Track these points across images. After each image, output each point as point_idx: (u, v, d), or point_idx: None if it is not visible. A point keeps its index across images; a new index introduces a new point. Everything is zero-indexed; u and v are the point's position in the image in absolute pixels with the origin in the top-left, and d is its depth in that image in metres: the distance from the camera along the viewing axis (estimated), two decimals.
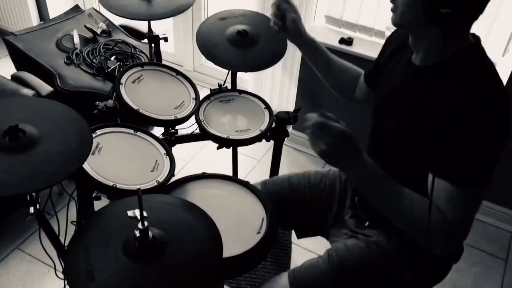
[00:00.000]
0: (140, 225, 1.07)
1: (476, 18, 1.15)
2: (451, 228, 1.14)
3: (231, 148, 1.93)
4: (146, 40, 2.39)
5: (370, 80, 1.55)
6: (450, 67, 1.16)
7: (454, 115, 1.10)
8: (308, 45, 1.59)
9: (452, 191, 1.13)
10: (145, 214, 1.07)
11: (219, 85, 1.91)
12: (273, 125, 1.79)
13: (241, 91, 1.89)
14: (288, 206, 1.64)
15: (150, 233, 1.08)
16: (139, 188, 1.06)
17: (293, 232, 1.79)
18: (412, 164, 1.25)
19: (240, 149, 2.29)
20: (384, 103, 1.35)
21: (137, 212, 1.06)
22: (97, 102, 1.72)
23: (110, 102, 1.72)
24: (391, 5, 1.21)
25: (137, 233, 1.07)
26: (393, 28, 1.40)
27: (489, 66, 1.18)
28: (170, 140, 1.83)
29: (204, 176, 1.53)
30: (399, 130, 1.27)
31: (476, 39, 1.21)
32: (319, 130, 1.11)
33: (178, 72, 1.87)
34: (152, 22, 2.18)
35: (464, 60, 1.16)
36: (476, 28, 1.18)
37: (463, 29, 1.17)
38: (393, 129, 1.29)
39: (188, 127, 1.83)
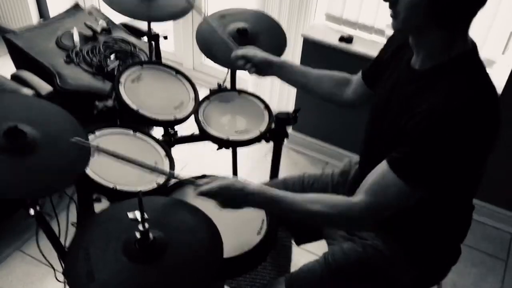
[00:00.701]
0: (140, 227, 1.07)
1: (475, 14, 1.13)
2: (364, 211, 1.20)
3: (230, 149, 1.93)
4: (146, 39, 2.38)
5: (368, 78, 1.54)
6: (444, 73, 1.16)
7: (428, 116, 1.11)
8: (279, 69, 1.62)
9: (391, 180, 1.17)
10: (145, 215, 1.06)
11: (219, 85, 1.90)
12: (273, 125, 1.79)
13: (241, 91, 1.89)
14: None
15: (150, 235, 1.08)
16: (139, 191, 1.06)
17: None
18: None
19: (239, 150, 2.28)
20: (382, 103, 1.35)
21: (137, 214, 1.06)
22: (97, 102, 1.72)
23: (110, 102, 1.71)
24: None
25: (138, 235, 1.07)
26: None
27: (482, 75, 1.17)
28: (169, 141, 1.82)
29: (204, 177, 1.52)
30: (393, 131, 1.26)
31: (473, 44, 1.20)
32: (209, 197, 1.26)
33: (178, 71, 1.87)
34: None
35: (459, 66, 1.16)
36: (476, 27, 1.17)
37: (464, 28, 1.16)
38: (388, 130, 1.30)
39: (188, 128, 1.83)
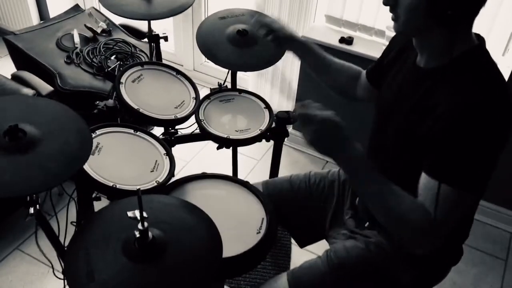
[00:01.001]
0: (140, 226, 1.07)
1: (477, 13, 1.13)
2: (433, 227, 1.13)
3: (231, 148, 1.93)
4: (146, 40, 2.39)
5: (372, 78, 1.54)
6: (453, 70, 1.16)
7: (451, 117, 1.10)
8: (301, 47, 1.61)
9: (440, 190, 1.11)
10: (145, 214, 1.06)
11: (219, 85, 1.91)
12: (273, 124, 1.79)
13: (241, 91, 1.89)
14: (289, 207, 1.64)
15: (150, 234, 1.08)
16: (139, 189, 1.05)
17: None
18: (412, 166, 1.24)
19: (240, 149, 2.28)
20: (389, 105, 1.35)
21: (137, 213, 1.06)
22: (97, 102, 1.72)
23: (110, 102, 1.72)
24: None
25: (137, 234, 1.07)
26: None
27: (492, 69, 1.17)
28: (170, 140, 1.82)
29: (204, 176, 1.53)
30: (402, 131, 1.26)
31: (480, 40, 1.20)
32: (303, 120, 1.13)
33: (178, 72, 1.87)
34: (152, 22, 2.18)
35: (467, 63, 1.16)
36: (476, 28, 1.18)
37: (466, 27, 1.16)
38: (396, 130, 1.29)
39: (188, 127, 1.83)
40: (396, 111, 1.30)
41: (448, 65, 1.17)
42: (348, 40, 2.42)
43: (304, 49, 1.61)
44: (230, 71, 1.98)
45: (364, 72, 1.61)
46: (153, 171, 1.49)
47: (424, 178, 1.15)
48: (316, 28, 2.57)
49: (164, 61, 2.19)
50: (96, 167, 1.42)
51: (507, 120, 1.11)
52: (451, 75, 1.16)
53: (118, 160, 1.50)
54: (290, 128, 2.78)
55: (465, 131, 1.09)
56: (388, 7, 1.19)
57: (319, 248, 1.56)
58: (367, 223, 1.48)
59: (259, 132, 1.72)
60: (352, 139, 1.14)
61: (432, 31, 1.15)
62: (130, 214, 1.07)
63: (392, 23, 1.21)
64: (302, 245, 1.72)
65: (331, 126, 1.12)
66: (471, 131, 1.09)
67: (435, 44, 1.18)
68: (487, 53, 1.19)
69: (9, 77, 2.27)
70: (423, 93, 1.21)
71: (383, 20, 2.41)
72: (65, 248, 1.48)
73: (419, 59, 1.27)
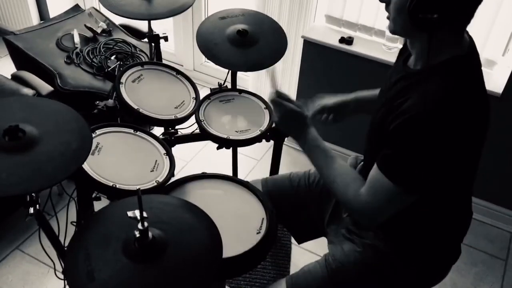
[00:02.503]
0: (140, 226, 1.07)
1: (463, 26, 1.15)
2: (364, 208, 1.26)
3: (231, 148, 1.93)
4: (146, 40, 2.39)
5: None
6: (432, 74, 1.17)
7: (407, 116, 1.12)
8: (353, 106, 1.60)
9: (378, 178, 1.20)
10: (145, 214, 1.07)
11: (219, 85, 1.91)
12: (273, 125, 1.79)
13: (241, 91, 1.89)
14: (288, 204, 1.64)
15: (150, 234, 1.09)
16: (139, 189, 1.05)
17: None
18: None
19: (240, 149, 2.29)
20: (379, 102, 1.36)
21: (137, 213, 1.06)
22: (97, 102, 1.72)
23: (110, 102, 1.72)
24: None
25: (137, 234, 1.07)
26: None
27: (472, 79, 1.18)
28: (170, 140, 1.82)
29: (204, 176, 1.53)
30: (375, 124, 1.30)
31: (472, 49, 1.20)
32: (274, 106, 1.41)
33: (178, 72, 1.87)
34: (152, 22, 2.18)
35: (447, 69, 1.16)
36: (477, 28, 1.18)
37: (452, 36, 1.16)
38: (372, 123, 1.35)
39: (188, 127, 1.83)
40: (380, 110, 1.31)
41: (430, 68, 1.18)
42: (348, 40, 2.42)
43: (357, 104, 1.60)
44: (230, 71, 1.98)
45: None
46: (153, 171, 1.49)
47: (376, 169, 1.23)
48: (316, 28, 2.57)
49: (164, 61, 2.19)
50: (96, 167, 1.42)
51: (466, 128, 1.13)
52: (428, 78, 1.17)
53: (118, 160, 1.50)
54: None
55: (413, 132, 1.12)
56: (384, 8, 1.21)
57: (319, 248, 1.57)
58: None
59: (259, 132, 1.72)
60: (310, 126, 1.38)
61: (415, 34, 1.17)
62: (130, 214, 1.07)
63: (388, 23, 1.23)
64: (300, 241, 1.73)
65: (294, 115, 1.38)
66: (418, 134, 1.12)
67: (418, 47, 1.21)
68: (470, 65, 1.19)
69: (9, 77, 2.27)
70: (397, 92, 1.23)
71: (383, 20, 2.41)
72: (65, 248, 1.48)
73: (410, 60, 1.29)
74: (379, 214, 1.26)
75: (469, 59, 1.19)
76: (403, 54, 1.36)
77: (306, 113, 1.40)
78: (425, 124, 1.11)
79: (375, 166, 1.23)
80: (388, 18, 1.22)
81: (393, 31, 1.23)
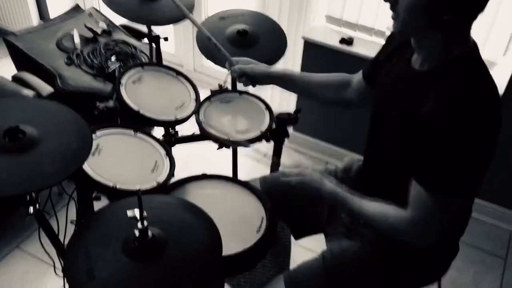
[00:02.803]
0: (139, 225, 1.07)
1: (475, 17, 1.14)
2: (419, 228, 1.21)
3: (231, 148, 1.93)
4: (146, 40, 2.39)
5: (369, 78, 1.53)
6: (444, 73, 1.16)
7: (435, 121, 1.11)
8: (278, 79, 1.65)
9: (422, 194, 1.17)
10: (144, 213, 1.07)
11: (220, 86, 1.91)
12: (274, 126, 1.79)
13: (242, 92, 1.90)
14: (286, 201, 1.64)
15: (149, 233, 1.09)
16: (139, 189, 1.06)
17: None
18: (406, 168, 1.26)
19: (240, 150, 2.29)
20: (383, 105, 1.35)
21: (136, 212, 1.07)
22: (98, 103, 1.72)
23: (111, 103, 1.72)
24: None
25: (137, 233, 1.08)
26: None
27: (483, 74, 1.17)
28: (170, 140, 1.83)
29: (204, 177, 1.53)
30: (394, 133, 1.27)
31: (474, 45, 1.20)
32: (287, 186, 1.40)
33: (179, 72, 1.88)
34: None
35: (458, 67, 1.16)
36: (476, 28, 1.18)
37: (464, 30, 1.16)
38: (390, 131, 1.30)
39: (189, 128, 1.83)
40: (391, 108, 1.30)
41: (440, 68, 1.17)
42: (348, 41, 2.42)
43: (282, 79, 1.64)
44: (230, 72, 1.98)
45: (356, 76, 1.60)
46: (153, 171, 1.49)
47: (413, 184, 1.19)
48: (316, 28, 2.57)
49: (164, 62, 2.19)
50: (97, 167, 1.42)
51: (489, 125, 1.12)
52: (441, 78, 1.16)
53: (118, 160, 1.50)
54: (290, 129, 2.78)
55: (447, 135, 1.10)
56: (389, 8, 1.19)
57: (320, 247, 1.57)
58: (362, 220, 1.48)
59: (260, 133, 1.72)
60: (323, 186, 1.36)
61: (428, 32, 1.15)
62: (129, 213, 1.07)
63: (392, 23, 1.21)
64: (297, 237, 1.74)
65: (306, 187, 1.38)
66: (453, 135, 1.10)
67: (430, 46, 1.19)
68: (480, 58, 1.19)
69: (10, 78, 2.28)
70: (412, 96, 1.21)
71: (383, 21, 2.42)
72: (65, 247, 1.48)
73: (414, 59, 1.27)
74: (437, 229, 1.23)
75: (477, 53, 1.19)
76: (398, 54, 1.35)
77: (314, 176, 1.39)
78: (460, 125, 1.09)
79: (413, 185, 1.19)
80: (393, 18, 1.20)
81: (400, 32, 1.22)
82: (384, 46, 1.47)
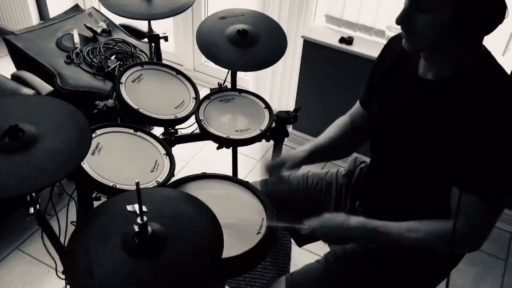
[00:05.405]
0: (139, 220, 1.06)
1: (500, 22, 1.11)
2: (473, 236, 1.22)
3: (231, 148, 1.93)
4: (146, 40, 2.39)
5: (368, 104, 1.49)
6: (465, 80, 1.15)
7: (473, 129, 1.11)
8: (311, 160, 1.53)
9: (476, 201, 1.16)
10: (144, 208, 1.06)
11: (219, 85, 1.91)
12: (273, 124, 1.79)
13: (241, 91, 1.89)
14: (287, 206, 1.64)
15: (149, 228, 1.08)
16: (137, 182, 1.04)
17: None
18: (426, 181, 1.26)
19: (240, 149, 2.28)
20: (392, 123, 1.32)
21: (136, 207, 1.05)
22: (97, 102, 1.72)
23: (110, 102, 1.72)
24: (391, 4, 1.20)
25: (136, 228, 1.06)
26: (394, 27, 1.38)
27: (502, 74, 1.17)
28: (170, 140, 1.82)
29: (204, 176, 1.53)
30: (414, 148, 1.25)
31: (484, 46, 1.19)
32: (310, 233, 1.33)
33: (178, 72, 1.87)
34: (152, 22, 2.18)
35: (477, 71, 1.15)
36: None
37: (484, 34, 1.15)
38: (405, 149, 1.27)
39: (188, 127, 1.83)
40: (406, 125, 1.27)
41: (461, 74, 1.16)
42: (348, 40, 2.42)
43: (308, 159, 1.52)
44: (230, 71, 1.98)
45: (353, 111, 1.56)
46: (153, 171, 1.49)
47: (459, 194, 1.16)
48: (316, 28, 2.57)
49: (164, 61, 2.19)
50: (96, 167, 1.42)
51: None
52: (462, 85, 1.15)
53: (118, 160, 1.50)
54: (290, 128, 2.78)
55: (492, 141, 1.10)
56: (391, 9, 1.18)
57: (320, 248, 1.56)
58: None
59: (259, 132, 1.72)
60: (349, 224, 1.29)
61: (449, 43, 1.13)
62: (129, 208, 1.06)
63: (393, 23, 1.20)
64: (300, 244, 1.72)
65: (329, 225, 1.31)
66: (494, 140, 1.10)
67: (450, 54, 1.16)
68: (494, 59, 1.19)
69: (9, 77, 2.27)
70: (435, 107, 1.19)
71: (383, 20, 2.41)
72: (65, 248, 1.48)
73: (424, 71, 1.24)
74: (489, 231, 1.22)
75: (490, 54, 1.19)
76: (400, 67, 1.32)
77: (334, 214, 1.34)
78: (502, 128, 1.10)
79: (460, 195, 1.16)
80: (405, 37, 1.17)
81: (419, 49, 1.20)
82: (375, 68, 1.42)
